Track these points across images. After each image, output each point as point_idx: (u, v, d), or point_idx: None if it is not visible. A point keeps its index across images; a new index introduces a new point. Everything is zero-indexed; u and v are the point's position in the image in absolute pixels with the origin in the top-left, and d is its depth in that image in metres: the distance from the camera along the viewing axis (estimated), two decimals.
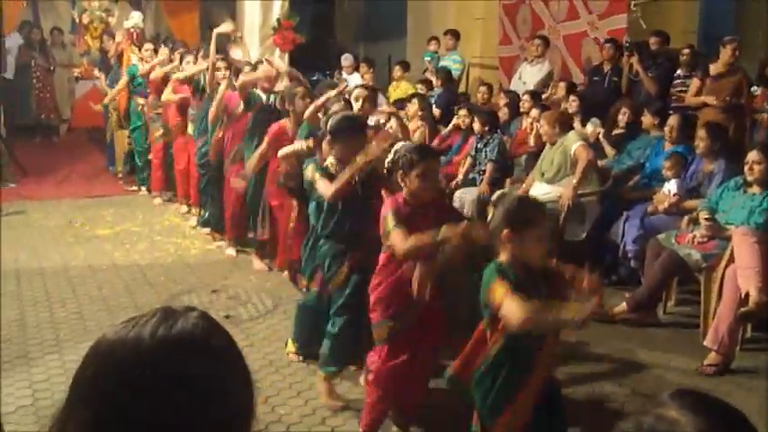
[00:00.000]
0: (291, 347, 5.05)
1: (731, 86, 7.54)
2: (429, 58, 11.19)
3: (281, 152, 5.58)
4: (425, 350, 4.00)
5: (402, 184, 3.83)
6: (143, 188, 9.94)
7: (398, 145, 4.24)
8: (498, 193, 3.16)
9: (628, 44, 9.03)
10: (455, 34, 10.98)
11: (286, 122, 6.15)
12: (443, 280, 3.98)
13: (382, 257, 3.89)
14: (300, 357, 4.98)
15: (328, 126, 4.44)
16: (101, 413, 1.19)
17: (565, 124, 6.85)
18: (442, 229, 3.52)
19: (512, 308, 2.84)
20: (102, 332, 4.27)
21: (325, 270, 4.40)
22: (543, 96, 8.77)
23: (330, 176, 4.28)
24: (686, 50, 8.64)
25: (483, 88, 9.83)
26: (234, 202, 7.11)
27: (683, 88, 8.26)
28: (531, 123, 7.63)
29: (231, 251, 7.36)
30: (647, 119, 7.27)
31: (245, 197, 6.88)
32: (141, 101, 9.68)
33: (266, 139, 6.19)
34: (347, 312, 4.31)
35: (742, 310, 4.76)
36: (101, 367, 1.25)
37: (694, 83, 7.86)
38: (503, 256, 3.07)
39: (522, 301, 2.83)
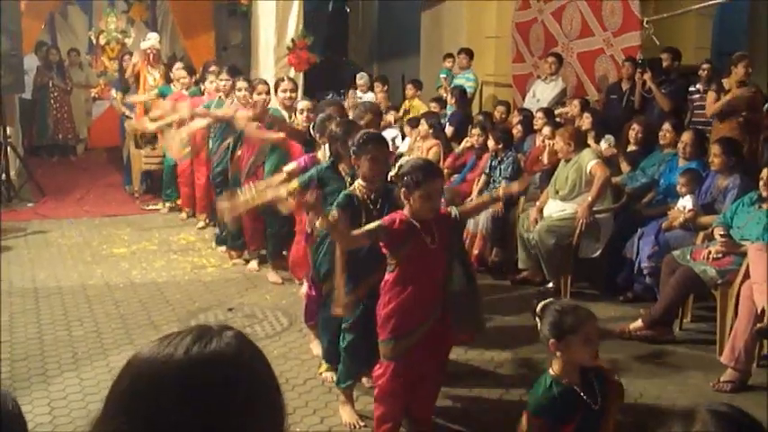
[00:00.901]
0: (323, 368, 4.97)
1: (745, 102, 7.54)
2: (444, 75, 11.26)
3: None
4: (432, 367, 4.02)
5: (405, 202, 3.85)
6: (167, 204, 10.01)
7: (402, 159, 4.22)
8: (542, 303, 3.21)
9: (641, 61, 9.07)
10: (469, 53, 11.03)
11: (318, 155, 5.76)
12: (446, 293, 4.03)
13: (388, 276, 3.92)
14: (334, 376, 4.75)
15: (352, 144, 4.34)
16: (134, 426, 1.22)
17: (580, 141, 6.88)
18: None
19: None
20: (119, 350, 4.29)
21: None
22: (556, 113, 8.81)
23: (349, 206, 4.25)
24: (705, 65, 8.67)
25: (501, 107, 9.86)
26: (251, 215, 7.14)
27: (702, 103, 8.28)
28: (544, 141, 7.66)
29: (254, 264, 7.42)
30: (664, 134, 7.25)
31: (260, 210, 6.93)
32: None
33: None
34: (356, 329, 4.34)
35: (758, 325, 4.75)
36: (135, 381, 1.27)
37: (711, 95, 7.85)
38: (555, 367, 3.17)
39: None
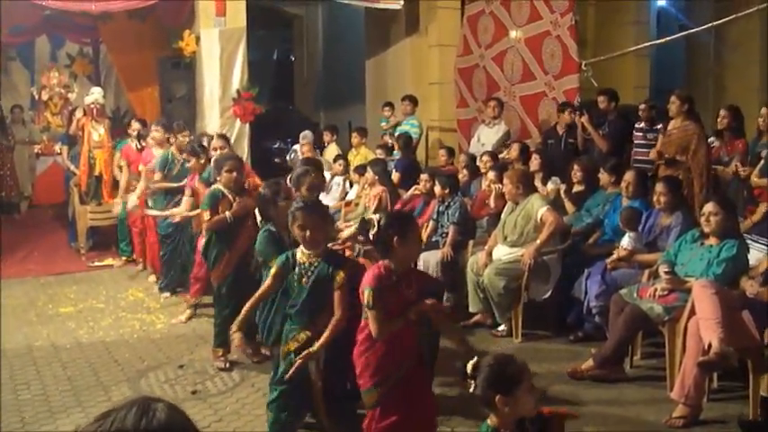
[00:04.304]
0: None
1: (679, 141, 7.67)
2: (384, 123, 11.40)
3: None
4: (419, 409, 4.01)
5: (386, 252, 3.90)
6: (122, 258, 9.96)
7: (377, 215, 4.31)
8: (470, 364, 3.11)
9: (578, 104, 9.25)
10: (412, 100, 11.17)
11: None
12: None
13: (364, 324, 3.93)
14: None
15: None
16: None
17: (528, 183, 6.96)
18: (412, 309, 3.82)
19: None
20: (67, 413, 4.15)
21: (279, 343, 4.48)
22: (500, 157, 8.95)
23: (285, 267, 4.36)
24: (644, 105, 8.86)
25: (442, 151, 9.99)
26: (198, 261, 7.14)
27: (643, 141, 8.43)
28: (490, 185, 7.75)
29: (186, 315, 7.43)
30: (603, 176, 7.42)
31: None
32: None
33: None
34: (283, 383, 4.37)
35: (701, 359, 4.80)
36: None
37: (660, 140, 7.97)
38: (495, 419, 3.05)
39: None
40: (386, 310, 3.82)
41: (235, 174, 6.16)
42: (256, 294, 4.49)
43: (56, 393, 5.73)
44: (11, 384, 5.91)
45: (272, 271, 4.40)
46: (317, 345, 4.21)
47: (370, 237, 3.95)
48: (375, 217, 4.13)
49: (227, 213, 6.04)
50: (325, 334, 4.20)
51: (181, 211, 7.69)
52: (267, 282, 4.45)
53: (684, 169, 7.59)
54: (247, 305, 4.49)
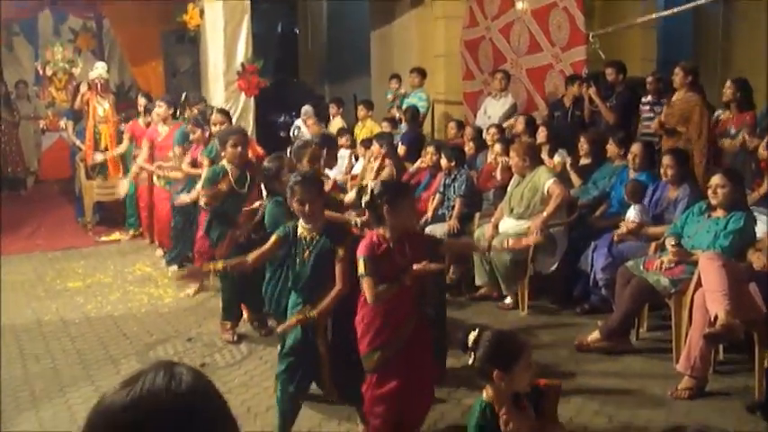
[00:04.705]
0: None
1: (681, 112, 7.61)
2: (391, 95, 11.34)
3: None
4: (417, 375, 4.06)
5: (380, 221, 3.95)
6: (130, 232, 10.03)
7: (372, 183, 4.34)
8: (472, 336, 3.11)
9: (585, 76, 9.18)
10: (421, 72, 11.07)
11: None
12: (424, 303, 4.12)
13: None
14: None
15: (373, 194, 4.12)
16: None
17: (534, 156, 6.94)
18: (406, 274, 3.87)
19: None
20: (77, 386, 4.18)
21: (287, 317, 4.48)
22: (504, 126, 8.94)
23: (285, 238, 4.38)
24: (650, 78, 8.78)
25: (452, 124, 9.95)
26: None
27: (650, 114, 8.38)
28: (496, 157, 7.73)
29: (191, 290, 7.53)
30: (611, 148, 7.38)
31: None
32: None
33: None
34: (291, 355, 4.39)
35: (707, 331, 4.80)
36: (126, 427, 1.28)
37: (665, 110, 7.93)
38: (490, 393, 3.07)
39: None
40: (380, 277, 3.87)
41: (239, 148, 6.13)
42: (254, 254, 4.46)
43: (65, 367, 5.78)
44: (20, 358, 5.96)
45: (272, 238, 4.41)
46: (315, 310, 4.22)
47: (363, 204, 4.00)
48: (370, 185, 4.16)
49: (201, 201, 6.07)
50: (326, 301, 4.22)
51: (183, 169, 7.96)
52: (264, 246, 4.43)
53: (685, 140, 7.54)
54: (239, 258, 4.55)
